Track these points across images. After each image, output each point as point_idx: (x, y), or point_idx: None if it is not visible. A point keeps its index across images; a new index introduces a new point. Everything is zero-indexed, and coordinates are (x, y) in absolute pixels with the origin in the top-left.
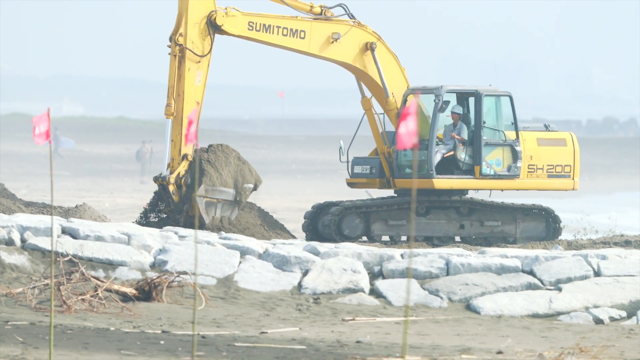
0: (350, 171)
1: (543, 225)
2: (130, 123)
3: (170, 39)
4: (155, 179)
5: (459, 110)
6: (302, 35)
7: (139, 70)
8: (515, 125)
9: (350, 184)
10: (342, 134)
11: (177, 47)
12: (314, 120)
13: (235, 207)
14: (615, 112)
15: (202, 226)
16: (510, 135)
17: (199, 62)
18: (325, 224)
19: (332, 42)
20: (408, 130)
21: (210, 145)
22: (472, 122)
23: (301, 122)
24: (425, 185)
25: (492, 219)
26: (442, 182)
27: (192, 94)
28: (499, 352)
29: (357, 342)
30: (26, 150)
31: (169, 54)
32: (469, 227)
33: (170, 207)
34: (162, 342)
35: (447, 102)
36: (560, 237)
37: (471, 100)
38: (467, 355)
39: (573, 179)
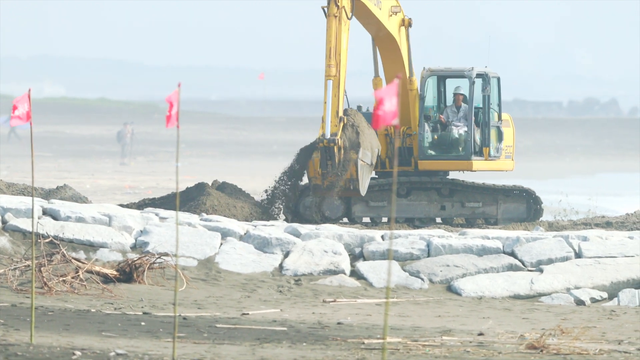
0: None
1: (524, 207)
2: (112, 104)
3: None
4: (319, 141)
5: (463, 91)
6: (380, 6)
7: (121, 51)
8: (499, 106)
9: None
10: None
11: (336, 8)
12: (295, 102)
13: (371, 172)
14: (596, 93)
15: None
16: (496, 116)
17: (346, 24)
18: (306, 205)
19: (391, 15)
20: (388, 110)
21: (345, 110)
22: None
23: (282, 104)
24: (461, 167)
25: (473, 200)
26: (478, 164)
27: (345, 56)
28: (480, 334)
29: (338, 323)
30: (6, 131)
31: (327, 15)
32: (450, 208)
33: (333, 171)
34: (143, 323)
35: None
36: (541, 219)
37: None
38: (448, 336)
39: (512, 159)
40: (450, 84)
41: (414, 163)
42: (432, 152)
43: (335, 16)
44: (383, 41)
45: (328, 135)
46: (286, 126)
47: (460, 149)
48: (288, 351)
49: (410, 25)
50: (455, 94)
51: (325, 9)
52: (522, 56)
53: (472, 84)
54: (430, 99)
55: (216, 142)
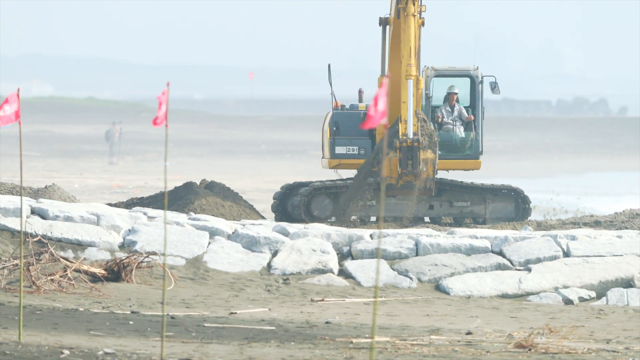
0: (330, 152)
1: (512, 206)
2: (100, 103)
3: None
4: (402, 141)
5: (457, 90)
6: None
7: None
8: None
9: (334, 167)
10: (313, 114)
11: (413, 7)
12: (283, 101)
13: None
14: (585, 92)
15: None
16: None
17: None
18: (294, 204)
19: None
20: (378, 111)
21: (415, 111)
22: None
23: (271, 103)
24: (470, 167)
25: (461, 200)
26: (480, 163)
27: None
28: (469, 333)
29: (326, 322)
30: None
31: (405, 15)
32: (438, 207)
33: (413, 170)
34: (131, 322)
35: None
36: (529, 218)
37: (465, 81)
38: (437, 335)
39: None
40: (453, 83)
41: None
42: (442, 152)
43: (414, 15)
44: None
45: (410, 135)
46: (275, 125)
47: (467, 148)
48: (276, 350)
49: (423, 24)
50: (449, 93)
51: (389, 14)
52: (511, 55)
53: (480, 83)
54: (434, 99)
55: (205, 142)
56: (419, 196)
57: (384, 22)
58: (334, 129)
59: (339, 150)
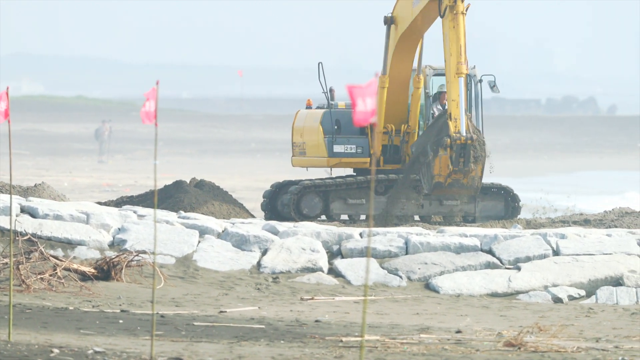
0: (328, 151)
1: (502, 204)
2: (89, 102)
3: None
4: (456, 138)
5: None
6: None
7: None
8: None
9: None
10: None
11: (463, 5)
12: (272, 100)
13: None
14: (574, 91)
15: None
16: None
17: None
18: (284, 203)
19: None
20: (366, 109)
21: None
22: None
23: (260, 102)
24: None
25: (451, 198)
26: None
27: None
28: (458, 331)
29: (316, 321)
30: None
31: (456, 12)
32: (428, 206)
33: (464, 168)
34: (121, 321)
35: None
36: (519, 216)
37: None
38: (426, 334)
39: None
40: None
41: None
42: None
43: (463, 13)
44: (415, 40)
45: (464, 133)
46: (264, 124)
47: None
48: (266, 349)
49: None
50: (440, 92)
51: (445, 7)
52: (501, 54)
53: (479, 82)
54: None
55: (194, 140)
56: (467, 195)
57: (389, 20)
58: (335, 127)
59: (337, 149)
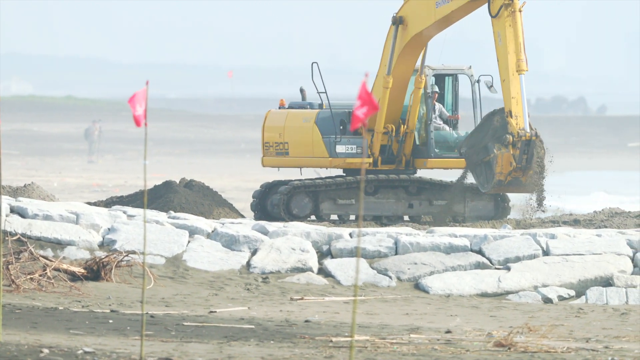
0: (329, 151)
1: (492, 205)
2: (79, 102)
3: None
4: (522, 135)
5: (437, 89)
6: None
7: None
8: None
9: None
10: None
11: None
12: (263, 99)
13: None
14: (564, 91)
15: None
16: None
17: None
18: (274, 203)
19: None
20: (362, 112)
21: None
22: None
23: (250, 101)
24: (460, 165)
25: (440, 198)
26: None
27: None
28: (448, 332)
29: (306, 321)
30: None
31: (514, 10)
32: (417, 206)
33: (527, 165)
34: (110, 321)
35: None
36: (509, 216)
37: (448, 80)
38: (416, 334)
39: None
40: (448, 82)
41: (410, 162)
42: (441, 151)
43: (520, 11)
44: (425, 41)
45: (528, 129)
46: (254, 124)
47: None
48: (256, 349)
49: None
50: (433, 92)
51: (395, 14)
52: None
53: (477, 82)
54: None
55: (184, 140)
56: (515, 193)
57: (397, 20)
58: (340, 127)
59: (340, 149)
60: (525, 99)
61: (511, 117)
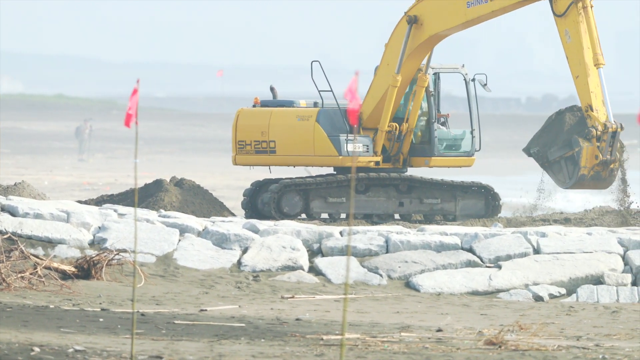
0: (339, 150)
1: (482, 203)
2: (69, 101)
3: None
4: (608, 126)
5: (432, 88)
6: None
7: (78, 47)
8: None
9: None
10: None
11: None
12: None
13: None
14: (554, 89)
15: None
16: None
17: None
18: (264, 201)
19: None
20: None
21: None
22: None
23: (241, 100)
24: (465, 164)
25: (431, 197)
26: (473, 160)
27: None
28: (439, 330)
29: (297, 319)
30: None
31: (585, 6)
32: (408, 204)
33: (612, 158)
34: (101, 319)
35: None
36: (499, 215)
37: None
38: (407, 332)
39: None
40: (444, 80)
41: (409, 161)
42: (443, 150)
43: (592, 6)
44: (439, 41)
45: (612, 121)
46: None
47: (465, 145)
48: (246, 347)
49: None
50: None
51: (406, 13)
52: (481, 52)
53: (472, 80)
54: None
55: (174, 139)
56: (606, 188)
57: (413, 19)
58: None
59: (351, 147)
60: (606, 92)
61: (592, 110)
